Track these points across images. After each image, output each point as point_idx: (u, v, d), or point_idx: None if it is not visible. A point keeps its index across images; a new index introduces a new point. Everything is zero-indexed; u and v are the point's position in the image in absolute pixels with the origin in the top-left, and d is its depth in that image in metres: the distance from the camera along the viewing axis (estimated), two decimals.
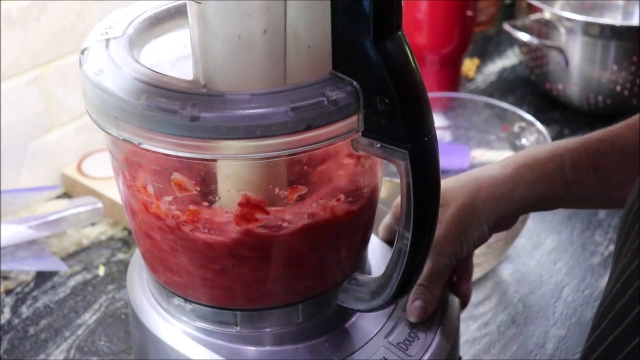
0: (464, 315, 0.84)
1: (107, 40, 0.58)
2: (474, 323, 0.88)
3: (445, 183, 0.68)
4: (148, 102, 0.52)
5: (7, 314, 0.89)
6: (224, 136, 0.51)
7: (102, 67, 0.55)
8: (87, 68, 0.56)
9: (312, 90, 0.51)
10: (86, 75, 0.56)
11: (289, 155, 0.53)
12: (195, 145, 0.52)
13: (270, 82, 0.53)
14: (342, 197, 0.58)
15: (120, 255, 0.98)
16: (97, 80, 0.55)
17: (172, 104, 0.51)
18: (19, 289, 0.92)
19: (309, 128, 0.51)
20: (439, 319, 0.66)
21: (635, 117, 0.71)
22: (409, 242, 0.55)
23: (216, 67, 0.53)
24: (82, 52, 0.58)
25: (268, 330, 0.62)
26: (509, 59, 1.43)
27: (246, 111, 0.51)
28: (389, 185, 0.86)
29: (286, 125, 0.51)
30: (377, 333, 0.64)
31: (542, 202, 0.71)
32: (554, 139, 1.06)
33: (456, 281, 0.73)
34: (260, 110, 0.51)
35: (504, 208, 0.69)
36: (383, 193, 0.83)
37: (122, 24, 0.60)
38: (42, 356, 0.84)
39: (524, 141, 0.99)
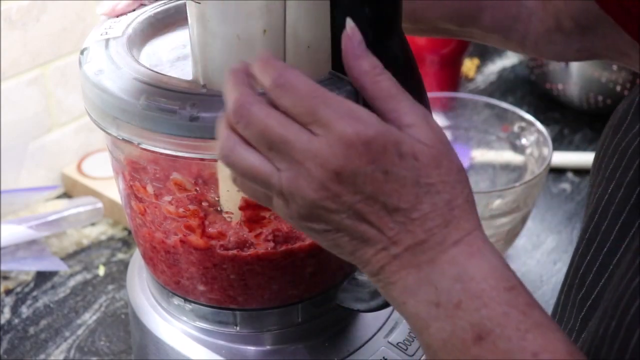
0: None
1: (107, 40, 0.58)
2: None
3: None
4: (148, 102, 0.52)
5: (7, 314, 0.89)
6: None
7: (101, 67, 0.55)
8: (86, 68, 0.56)
9: None
10: (86, 75, 0.56)
11: None
12: (195, 145, 0.52)
13: None
14: None
15: (120, 255, 0.98)
16: (97, 81, 0.55)
17: (172, 104, 0.51)
18: (19, 289, 0.92)
19: None
20: None
21: None
22: None
23: (215, 67, 0.53)
24: (82, 52, 0.58)
25: (268, 330, 0.62)
26: (509, 59, 1.42)
27: None
28: None
29: None
30: (377, 333, 0.64)
31: None
32: (554, 139, 1.06)
33: None
34: None
35: None
36: None
37: (122, 24, 0.60)
38: (42, 356, 0.84)
39: (524, 141, 0.99)
